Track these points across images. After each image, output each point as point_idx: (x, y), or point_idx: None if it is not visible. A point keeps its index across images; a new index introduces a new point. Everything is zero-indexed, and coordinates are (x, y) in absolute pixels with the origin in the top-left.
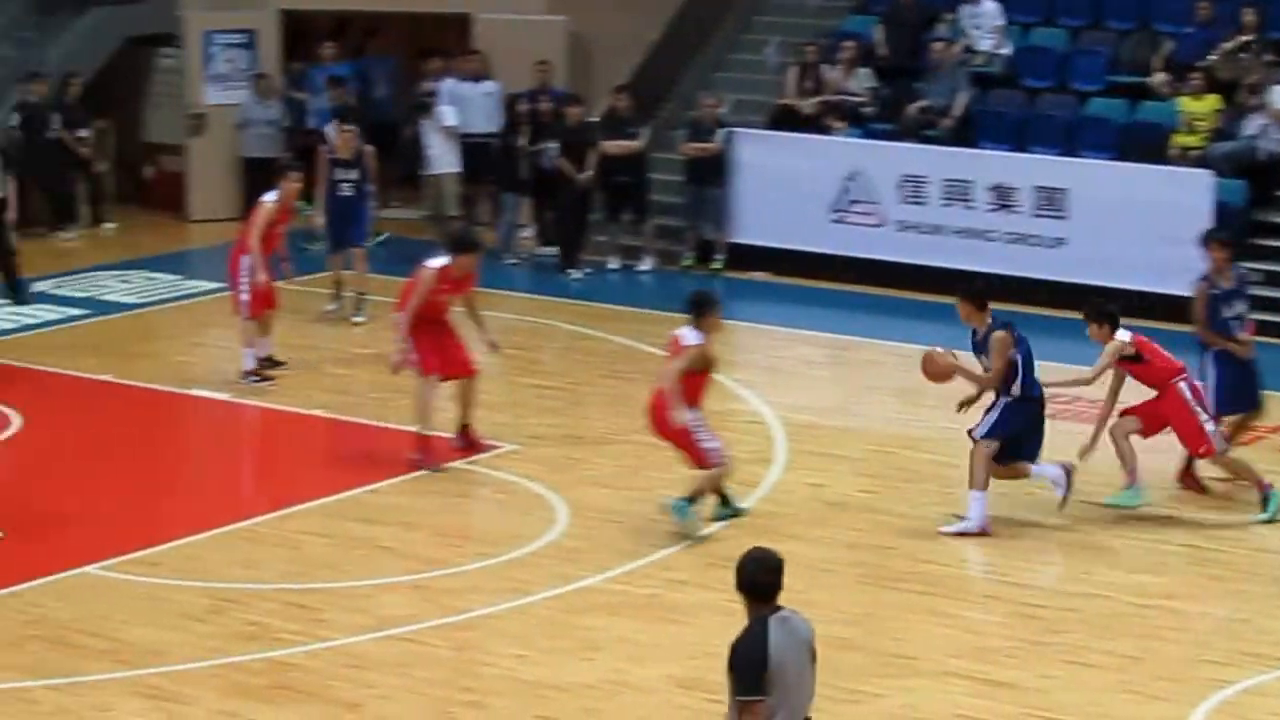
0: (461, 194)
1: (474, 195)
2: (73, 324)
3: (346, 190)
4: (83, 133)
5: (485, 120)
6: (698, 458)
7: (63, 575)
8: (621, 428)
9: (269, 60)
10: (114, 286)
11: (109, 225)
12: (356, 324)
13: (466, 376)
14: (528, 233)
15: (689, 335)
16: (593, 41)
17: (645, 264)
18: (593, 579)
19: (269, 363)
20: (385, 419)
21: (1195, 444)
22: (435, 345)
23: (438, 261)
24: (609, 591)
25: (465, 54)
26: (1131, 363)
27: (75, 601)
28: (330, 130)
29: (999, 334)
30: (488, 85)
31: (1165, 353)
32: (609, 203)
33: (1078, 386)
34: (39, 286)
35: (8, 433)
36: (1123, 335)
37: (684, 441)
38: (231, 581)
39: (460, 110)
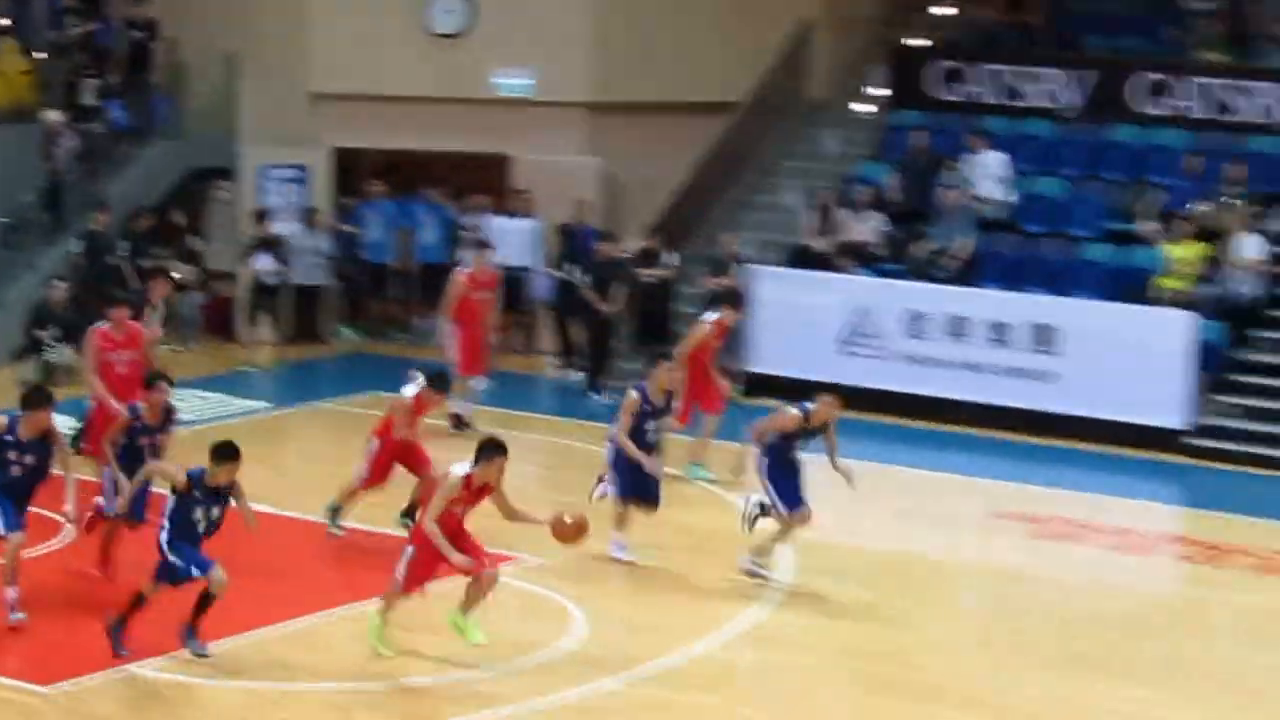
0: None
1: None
2: None
3: None
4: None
5: (521, 254)
6: None
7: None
8: None
9: (320, 194)
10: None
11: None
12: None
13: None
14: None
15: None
16: (624, 183)
17: None
18: None
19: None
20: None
21: None
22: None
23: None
24: None
25: (512, 191)
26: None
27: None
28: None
29: None
30: (527, 221)
31: None
32: (638, 330)
33: None
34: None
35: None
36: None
37: None
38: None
39: (501, 244)
